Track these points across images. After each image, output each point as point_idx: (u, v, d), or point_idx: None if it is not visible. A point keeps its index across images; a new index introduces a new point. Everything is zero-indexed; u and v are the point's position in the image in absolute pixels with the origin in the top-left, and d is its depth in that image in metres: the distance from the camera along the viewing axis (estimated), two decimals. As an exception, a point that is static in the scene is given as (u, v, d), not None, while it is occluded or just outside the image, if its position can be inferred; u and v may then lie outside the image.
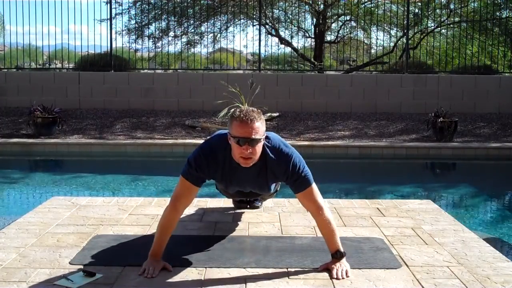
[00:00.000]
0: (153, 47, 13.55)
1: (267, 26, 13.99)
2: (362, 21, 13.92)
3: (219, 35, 13.96)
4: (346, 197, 5.91)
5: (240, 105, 9.42)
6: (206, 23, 13.82)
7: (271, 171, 2.89)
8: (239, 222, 3.73)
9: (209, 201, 4.32)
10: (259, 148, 2.77)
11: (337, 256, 2.84)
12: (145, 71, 12.35)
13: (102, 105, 10.91)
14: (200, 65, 13.31)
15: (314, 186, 2.89)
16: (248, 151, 2.71)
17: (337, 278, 2.74)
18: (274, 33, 14.24)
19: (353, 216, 3.93)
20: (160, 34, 13.60)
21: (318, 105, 10.90)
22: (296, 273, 2.82)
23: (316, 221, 2.92)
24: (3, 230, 3.52)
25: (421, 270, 2.88)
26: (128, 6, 13.46)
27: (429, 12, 13.57)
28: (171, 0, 13.16)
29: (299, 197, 2.92)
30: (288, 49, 14.68)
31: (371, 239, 3.38)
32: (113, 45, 11.77)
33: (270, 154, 2.86)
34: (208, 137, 3.10)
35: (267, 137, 2.86)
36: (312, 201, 2.88)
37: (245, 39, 24.49)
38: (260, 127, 2.73)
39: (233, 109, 3.04)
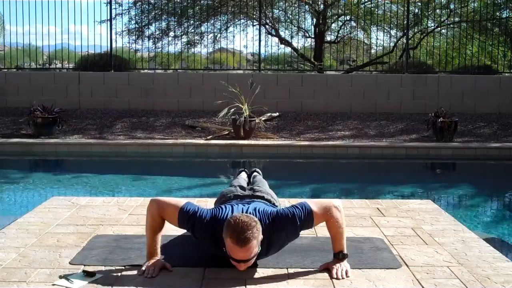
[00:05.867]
0: (153, 47, 13.55)
1: (267, 26, 13.98)
2: (362, 21, 13.91)
3: (219, 35, 13.96)
4: (346, 197, 5.90)
5: (240, 105, 9.43)
6: (206, 23, 13.82)
7: (271, 241, 2.80)
8: (239, 222, 3.71)
9: (209, 201, 4.32)
10: (255, 253, 2.67)
11: (339, 256, 2.84)
12: (145, 71, 12.35)
13: (102, 105, 10.90)
14: (200, 65, 13.30)
15: (310, 203, 2.84)
16: (245, 267, 2.70)
17: (337, 278, 2.74)
18: (274, 33, 14.23)
19: (353, 216, 3.92)
20: (160, 34, 13.59)
21: (318, 105, 10.90)
22: (296, 273, 2.82)
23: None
24: (3, 230, 3.52)
25: (421, 270, 2.88)
26: (128, 6, 13.46)
27: (429, 12, 13.56)
28: (171, 0, 13.16)
29: (316, 221, 2.83)
30: (288, 49, 14.67)
31: (371, 239, 3.38)
32: (113, 45, 11.77)
33: (265, 231, 2.72)
34: (222, 208, 2.88)
35: (256, 221, 2.66)
36: (323, 214, 2.82)
37: (245, 39, 24.48)
38: (255, 244, 2.62)
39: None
